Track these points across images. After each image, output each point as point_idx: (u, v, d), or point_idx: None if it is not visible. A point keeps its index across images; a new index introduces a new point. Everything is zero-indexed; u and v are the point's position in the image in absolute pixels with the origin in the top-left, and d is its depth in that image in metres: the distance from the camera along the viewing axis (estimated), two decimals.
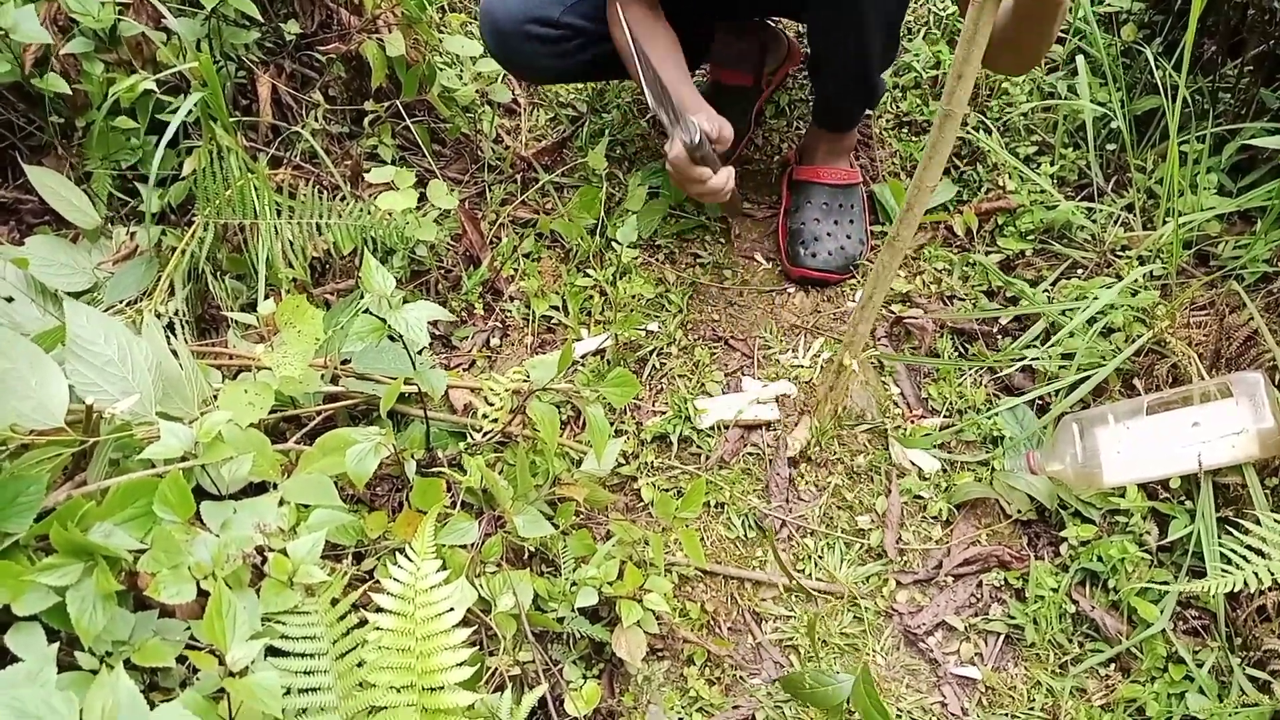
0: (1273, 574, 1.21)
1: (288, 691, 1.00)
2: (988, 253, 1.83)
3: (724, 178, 1.61)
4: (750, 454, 1.62)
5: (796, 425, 1.63)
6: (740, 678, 1.41)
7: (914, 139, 2.07)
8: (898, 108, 2.13)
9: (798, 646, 1.43)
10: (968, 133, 1.98)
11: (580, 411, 1.60)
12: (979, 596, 1.47)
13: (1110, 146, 1.90)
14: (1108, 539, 1.43)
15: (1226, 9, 1.76)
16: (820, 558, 1.51)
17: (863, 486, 1.59)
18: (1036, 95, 2.02)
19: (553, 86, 2.21)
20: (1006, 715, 1.36)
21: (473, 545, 1.31)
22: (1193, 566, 1.39)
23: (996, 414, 1.60)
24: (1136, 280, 1.62)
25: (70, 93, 1.63)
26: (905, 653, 1.43)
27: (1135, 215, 1.76)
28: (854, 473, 1.60)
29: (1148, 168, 1.81)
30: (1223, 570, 1.26)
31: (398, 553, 1.11)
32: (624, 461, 1.59)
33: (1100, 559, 1.42)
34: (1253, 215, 1.68)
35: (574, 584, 1.35)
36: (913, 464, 1.59)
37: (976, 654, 1.42)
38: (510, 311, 1.82)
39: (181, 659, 1.03)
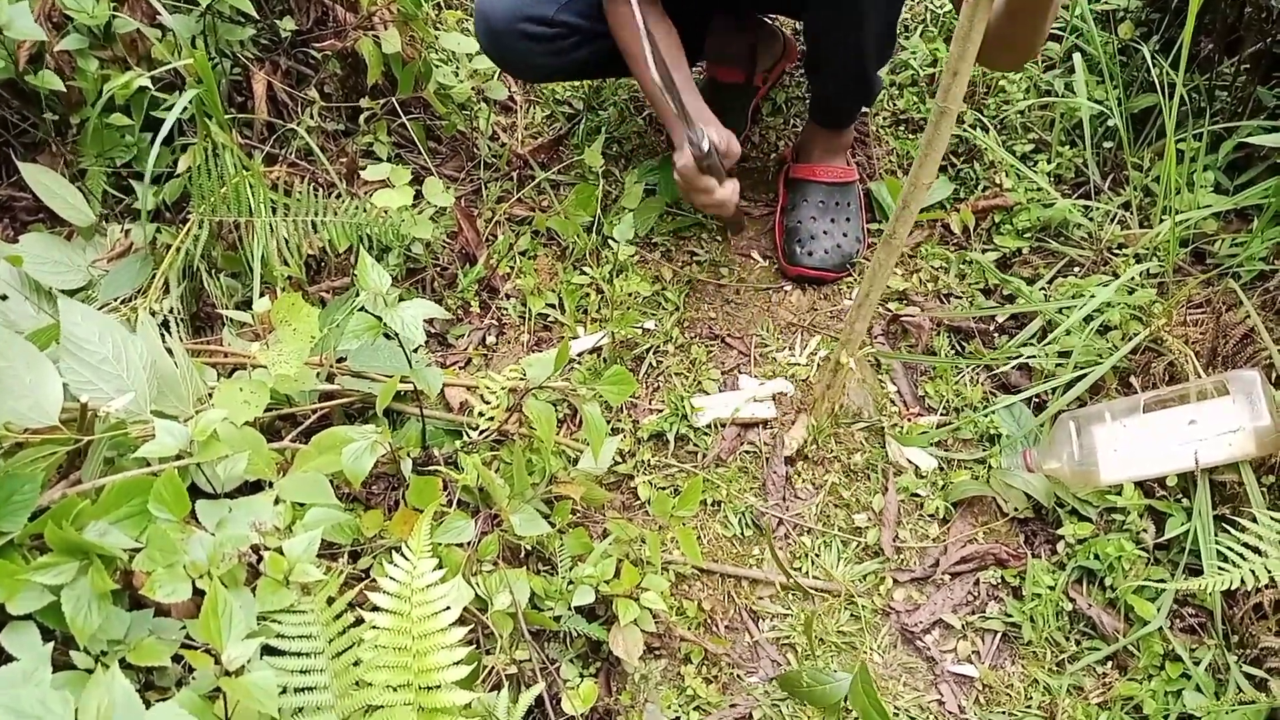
0: (1269, 572, 1.22)
1: (284, 690, 1.00)
2: (984, 251, 1.83)
3: (730, 190, 1.63)
4: (747, 452, 1.62)
5: (793, 423, 1.62)
6: (737, 676, 1.41)
7: (911, 136, 2.07)
8: (894, 105, 2.13)
9: (795, 645, 1.43)
10: (964, 130, 1.97)
11: (577, 409, 1.60)
12: (976, 594, 1.47)
13: (1107, 144, 1.90)
14: (1105, 537, 1.43)
15: (1223, 7, 1.76)
16: (817, 556, 1.51)
17: (860, 485, 1.58)
18: (1033, 93, 2.02)
19: (548, 84, 2.21)
20: (1004, 713, 1.36)
21: (469, 544, 1.30)
22: (1189, 564, 1.39)
23: (993, 412, 1.60)
24: (1133, 278, 1.62)
25: (65, 90, 1.62)
26: (902, 651, 1.43)
27: (1132, 213, 1.76)
28: (851, 471, 1.60)
29: (1145, 165, 1.81)
30: (1219, 568, 1.26)
31: (394, 551, 1.11)
32: (621, 460, 1.59)
33: (1097, 557, 1.42)
34: (1249, 213, 1.68)
35: (571, 582, 1.35)
36: (910, 462, 1.59)
37: (974, 652, 1.42)
38: (506, 309, 1.82)
39: (177, 658, 1.03)
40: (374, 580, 1.18)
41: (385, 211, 1.72)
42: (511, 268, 1.88)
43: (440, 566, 1.09)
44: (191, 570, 1.01)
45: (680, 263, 1.89)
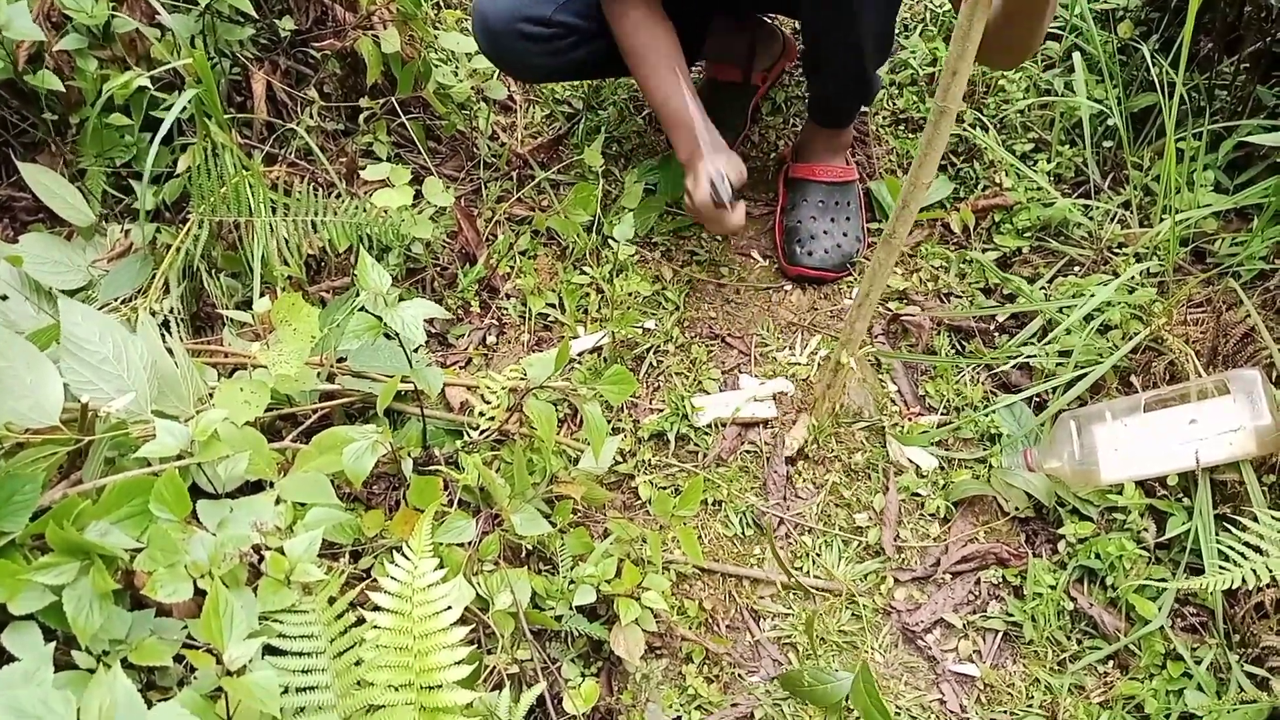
0: (1270, 571, 1.21)
1: (285, 690, 1.00)
2: (985, 250, 1.83)
3: (739, 215, 1.66)
4: (748, 452, 1.62)
5: (794, 423, 1.62)
6: (739, 675, 1.41)
7: (910, 136, 2.07)
8: (894, 105, 2.13)
9: (796, 644, 1.43)
10: (964, 130, 1.98)
11: (577, 409, 1.60)
12: (977, 594, 1.47)
13: (1107, 143, 1.90)
14: (1106, 536, 1.43)
15: (1223, 6, 1.76)
16: (818, 555, 1.51)
17: (860, 484, 1.58)
18: (1033, 92, 2.02)
19: (548, 84, 2.21)
20: (1005, 713, 1.36)
21: (470, 543, 1.30)
22: (1190, 564, 1.40)
23: (994, 411, 1.60)
24: (1133, 277, 1.62)
25: (64, 90, 1.62)
26: (904, 650, 1.43)
27: (1132, 212, 1.76)
28: (852, 470, 1.60)
29: (1144, 165, 1.81)
30: (1220, 567, 1.26)
31: (395, 551, 1.11)
32: (621, 459, 1.59)
33: (1098, 556, 1.42)
34: (1249, 212, 1.69)
35: (572, 582, 1.35)
36: (910, 461, 1.59)
37: (975, 651, 1.42)
38: (507, 309, 1.82)
39: (179, 658, 1.03)
40: (375, 580, 1.18)
41: (385, 211, 1.72)
42: (511, 267, 1.88)
43: (441, 566, 1.08)
44: (193, 570, 1.01)
45: (680, 262, 1.89)
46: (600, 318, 1.79)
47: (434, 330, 1.80)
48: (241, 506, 1.14)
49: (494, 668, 1.26)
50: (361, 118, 1.95)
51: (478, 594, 1.26)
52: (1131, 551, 1.40)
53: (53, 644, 0.94)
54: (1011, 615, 1.43)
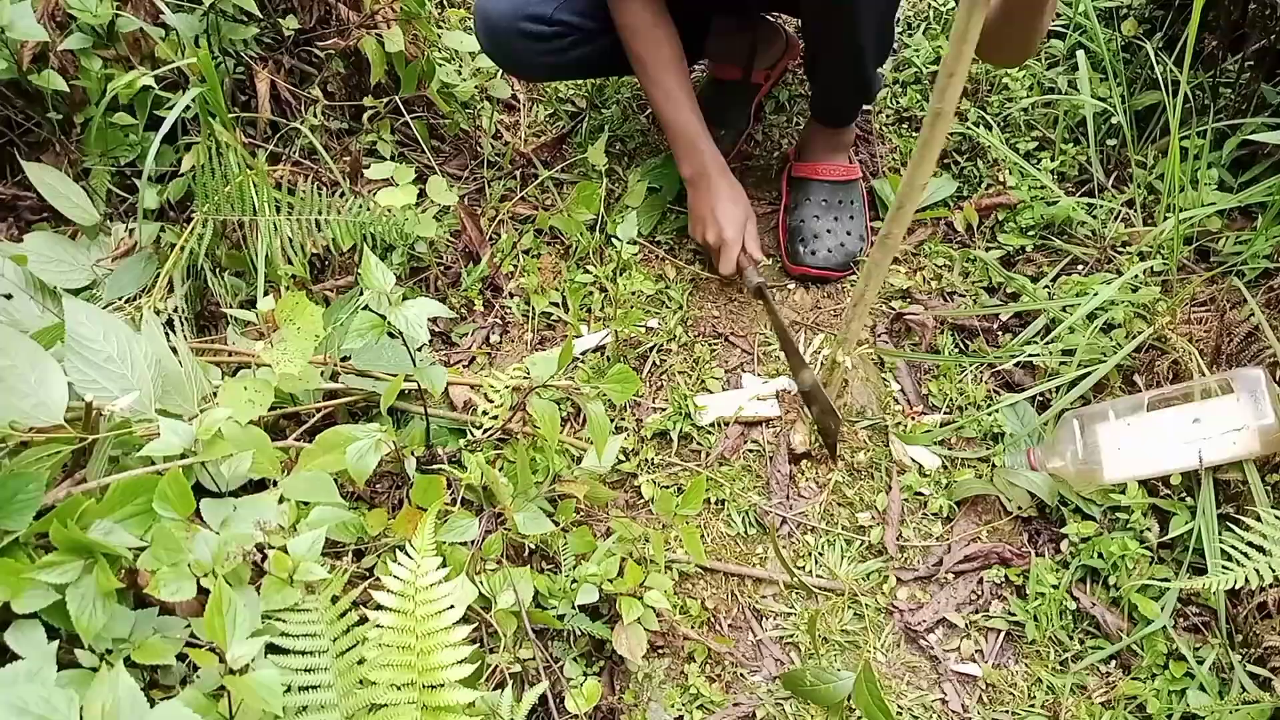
0: (1274, 571, 1.21)
1: (288, 689, 1.00)
2: (988, 248, 1.83)
3: (749, 278, 1.76)
4: (751, 451, 1.62)
5: (797, 422, 1.62)
6: (741, 675, 1.41)
7: (914, 134, 2.06)
8: (898, 103, 2.13)
9: (798, 644, 1.43)
10: (968, 128, 1.97)
11: (580, 408, 1.60)
12: (979, 593, 1.47)
13: (1111, 142, 1.89)
14: (1108, 536, 1.43)
15: (1227, 3, 1.75)
16: (821, 555, 1.51)
17: (863, 483, 1.58)
18: (1037, 90, 2.01)
19: (551, 83, 2.21)
20: (1007, 712, 1.36)
21: (473, 542, 1.31)
22: (1193, 563, 1.39)
23: (997, 410, 1.60)
24: (1137, 276, 1.62)
25: (68, 89, 1.63)
26: (906, 650, 1.43)
27: (1136, 211, 1.76)
28: (854, 469, 1.60)
29: (1148, 163, 1.81)
30: (1223, 567, 1.26)
31: (398, 550, 1.11)
32: (624, 458, 1.59)
33: (1101, 556, 1.42)
34: (1253, 211, 1.68)
35: (574, 581, 1.35)
36: (913, 461, 1.59)
37: (977, 651, 1.42)
38: (510, 308, 1.82)
39: (181, 656, 1.03)
40: (378, 579, 1.18)
41: (389, 210, 1.72)
42: (515, 266, 1.88)
43: (444, 565, 1.09)
44: (196, 569, 1.01)
45: (684, 261, 1.89)
46: (603, 316, 1.79)
47: (437, 329, 1.80)
48: (245, 505, 1.14)
49: (496, 667, 1.26)
50: (365, 117, 1.95)
51: (480, 593, 1.26)
52: (1134, 551, 1.40)
53: (56, 642, 0.94)
54: (1014, 615, 1.43)
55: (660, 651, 1.41)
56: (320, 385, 1.45)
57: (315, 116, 1.87)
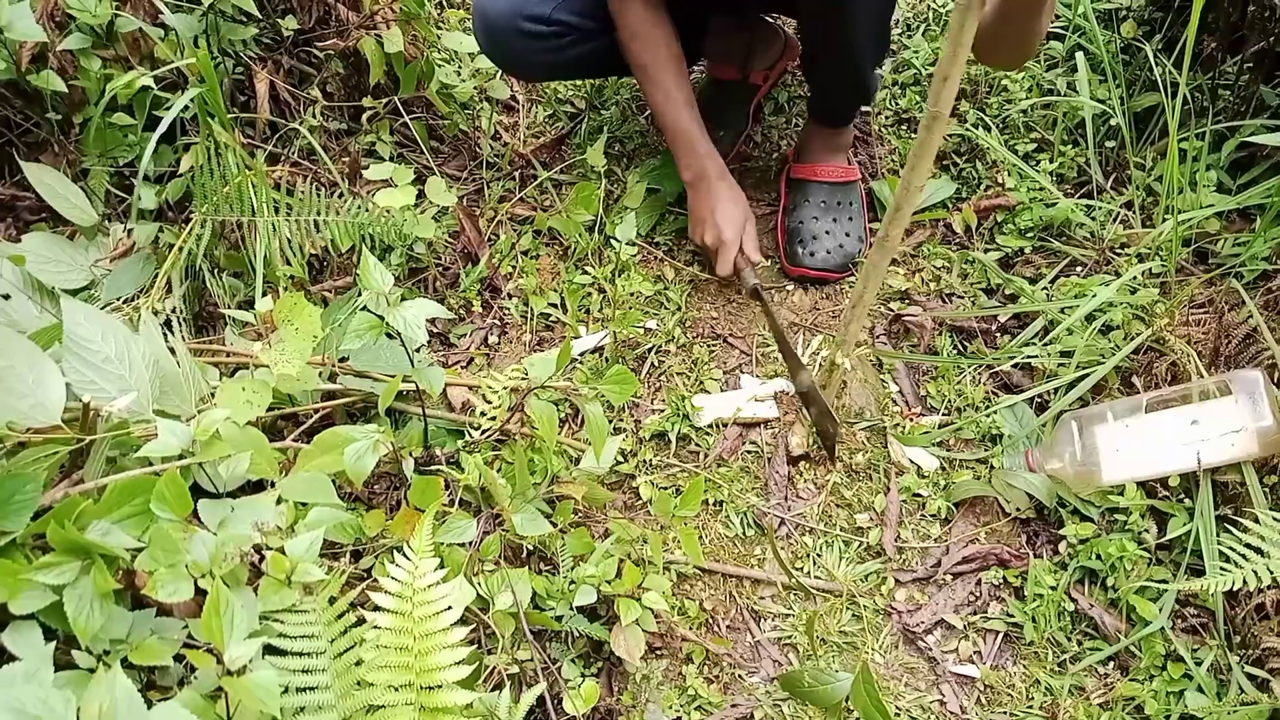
0: (1271, 572, 1.21)
1: (286, 690, 1.00)
2: (987, 250, 1.83)
3: (747, 279, 1.76)
4: (749, 452, 1.62)
5: (795, 423, 1.62)
6: (739, 676, 1.41)
7: (913, 136, 2.06)
8: (897, 105, 2.13)
9: (796, 645, 1.43)
10: (967, 129, 1.97)
11: (579, 409, 1.60)
12: (978, 595, 1.47)
13: (1110, 143, 1.89)
14: (1106, 537, 1.43)
15: (1226, 5, 1.75)
16: (819, 556, 1.51)
17: (861, 484, 1.58)
18: (1036, 92, 2.01)
19: (550, 83, 2.21)
20: (1005, 713, 1.36)
21: (471, 543, 1.31)
22: (1191, 565, 1.39)
23: (995, 412, 1.60)
24: (1135, 278, 1.62)
25: (67, 89, 1.62)
26: (904, 651, 1.43)
27: (1134, 212, 1.76)
28: (853, 471, 1.60)
29: (1147, 165, 1.81)
30: (1221, 568, 1.26)
31: (396, 551, 1.11)
32: (622, 459, 1.59)
33: (1099, 557, 1.42)
34: (1252, 213, 1.68)
35: (572, 582, 1.35)
36: (911, 462, 1.59)
37: (975, 652, 1.42)
38: (509, 309, 1.82)
39: (179, 657, 1.03)
40: (376, 580, 1.18)
41: (388, 211, 1.72)
42: (514, 267, 1.88)
43: (442, 566, 1.09)
44: (193, 570, 1.01)
45: (682, 262, 1.89)
46: (602, 318, 1.79)
47: (436, 330, 1.80)
48: (243, 506, 1.14)
49: (494, 668, 1.26)
50: (364, 117, 1.95)
51: (478, 594, 1.26)
52: (1132, 552, 1.40)
53: (53, 643, 0.94)
54: (1012, 616, 1.43)
55: (658, 653, 1.41)
56: (318, 386, 1.45)
57: (314, 117, 1.87)
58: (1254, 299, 1.50)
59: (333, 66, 1.90)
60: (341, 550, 1.30)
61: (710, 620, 1.45)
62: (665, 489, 1.57)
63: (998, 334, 1.73)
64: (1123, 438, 1.44)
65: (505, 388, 1.47)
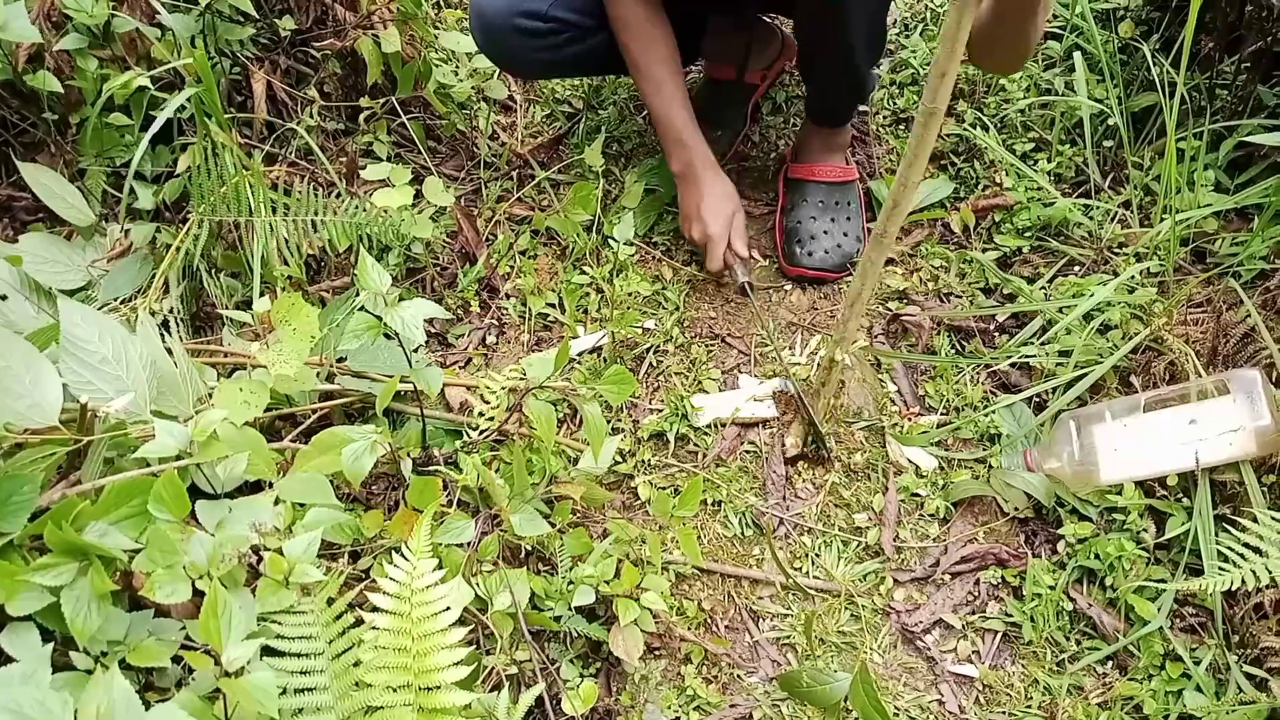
0: (1270, 572, 1.21)
1: (284, 691, 1.00)
2: (985, 250, 1.83)
3: (745, 270, 1.78)
4: (747, 452, 1.62)
5: (793, 423, 1.62)
6: (737, 676, 1.41)
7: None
8: (894, 104, 2.13)
9: (795, 645, 1.43)
10: (965, 129, 1.97)
11: (577, 409, 1.60)
12: (976, 594, 1.47)
13: (1107, 143, 1.89)
14: (1105, 537, 1.43)
15: (1224, 5, 1.76)
16: (817, 556, 1.51)
17: (860, 484, 1.58)
18: (1033, 92, 2.01)
19: (548, 82, 2.21)
20: (1004, 713, 1.36)
21: (469, 544, 1.30)
22: (1190, 564, 1.39)
23: (994, 411, 1.60)
24: (1133, 277, 1.62)
25: (64, 90, 1.62)
26: (902, 651, 1.43)
27: (1132, 212, 1.76)
28: (851, 471, 1.60)
29: (1145, 164, 1.81)
30: (1220, 568, 1.26)
31: (394, 552, 1.11)
32: (621, 459, 1.59)
33: (1098, 557, 1.42)
34: (1250, 212, 1.68)
35: (571, 582, 1.35)
36: (910, 462, 1.59)
37: (974, 652, 1.42)
38: (507, 309, 1.82)
39: (177, 659, 1.03)
40: (374, 581, 1.18)
41: (385, 211, 1.72)
42: (511, 267, 1.88)
43: (440, 567, 1.09)
44: (191, 571, 1.01)
45: (681, 262, 1.88)
46: (600, 318, 1.79)
47: (434, 330, 1.80)
48: (240, 507, 1.14)
49: (493, 668, 1.26)
50: (362, 117, 1.95)
51: (476, 594, 1.26)
52: (1131, 552, 1.40)
53: (51, 645, 0.94)
54: (1010, 616, 1.43)
55: (657, 653, 1.41)
56: (316, 386, 1.45)
57: (311, 117, 1.87)
58: (1252, 298, 1.50)
59: (330, 66, 1.90)
60: (339, 551, 1.30)
61: (709, 620, 1.45)
62: (664, 489, 1.56)
63: (996, 333, 1.73)
64: (1121, 437, 1.44)
65: (503, 388, 1.47)
